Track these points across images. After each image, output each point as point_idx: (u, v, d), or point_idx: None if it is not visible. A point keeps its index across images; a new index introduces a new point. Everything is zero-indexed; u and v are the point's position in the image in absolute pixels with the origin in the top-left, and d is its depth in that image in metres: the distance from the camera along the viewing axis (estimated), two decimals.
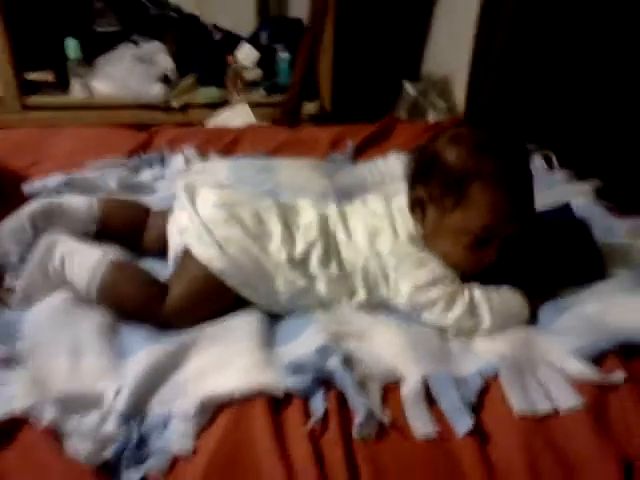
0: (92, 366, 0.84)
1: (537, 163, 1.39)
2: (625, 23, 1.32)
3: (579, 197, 1.25)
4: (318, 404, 0.80)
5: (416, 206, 1.01)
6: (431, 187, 0.99)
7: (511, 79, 1.60)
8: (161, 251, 1.06)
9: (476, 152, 0.97)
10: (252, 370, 0.83)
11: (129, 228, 1.09)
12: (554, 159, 1.43)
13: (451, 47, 2.14)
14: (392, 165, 1.41)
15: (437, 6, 2.31)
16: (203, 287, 0.96)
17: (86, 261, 0.96)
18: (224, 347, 0.89)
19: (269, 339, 0.93)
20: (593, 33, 1.40)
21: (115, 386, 0.80)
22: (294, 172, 1.33)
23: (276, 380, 0.81)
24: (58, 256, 0.97)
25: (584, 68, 1.43)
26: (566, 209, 1.13)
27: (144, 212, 1.13)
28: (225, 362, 0.85)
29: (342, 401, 0.81)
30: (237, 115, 2.10)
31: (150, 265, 1.05)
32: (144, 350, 0.86)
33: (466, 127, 1.04)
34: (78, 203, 1.08)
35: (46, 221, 1.04)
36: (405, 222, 1.02)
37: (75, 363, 0.84)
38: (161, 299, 0.95)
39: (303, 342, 0.91)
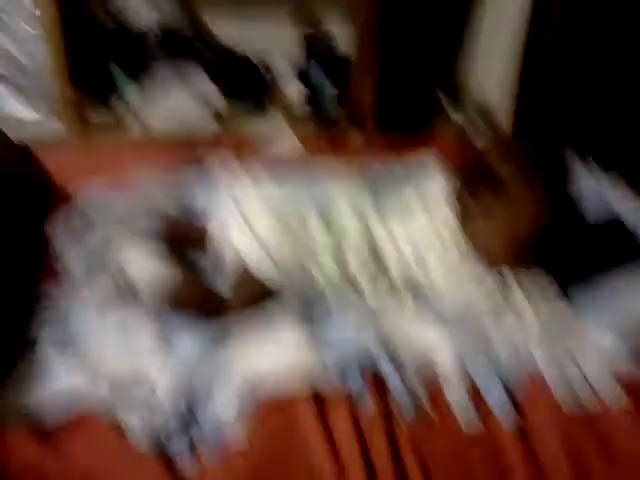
0: (140, 345, 0.91)
1: (587, 173, 1.40)
2: None
3: (625, 203, 1.25)
4: (359, 387, 0.84)
5: (463, 213, 1.09)
6: (480, 197, 1.07)
7: (558, 97, 1.61)
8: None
9: (525, 166, 1.06)
10: (295, 353, 0.88)
11: (189, 246, 1.16)
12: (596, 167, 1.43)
13: (489, 64, 2.17)
14: (427, 165, 1.44)
15: (479, 34, 2.35)
16: (257, 296, 1.03)
17: (152, 274, 1.03)
18: (267, 331, 0.94)
19: (311, 326, 0.98)
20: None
21: (163, 364, 0.86)
22: (341, 191, 1.36)
23: (319, 365, 0.86)
24: (126, 262, 1.04)
25: (629, 78, 1.44)
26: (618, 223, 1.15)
27: (202, 232, 1.20)
28: (265, 343, 0.91)
29: (383, 388, 0.86)
30: (287, 147, 2.16)
31: None
32: (189, 331, 0.93)
33: (515, 145, 1.11)
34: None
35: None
36: (452, 234, 1.06)
37: (124, 342, 0.91)
38: (218, 311, 1.00)
39: (344, 331, 0.96)
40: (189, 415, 0.79)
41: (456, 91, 2.46)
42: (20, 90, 2.37)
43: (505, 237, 1.03)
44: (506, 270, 1.04)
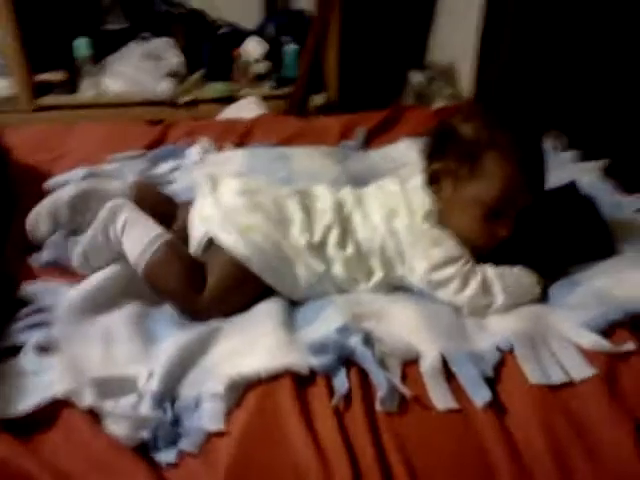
0: (124, 352, 0.88)
1: (546, 144, 1.41)
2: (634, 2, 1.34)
3: (587, 175, 1.27)
4: (341, 381, 0.83)
5: (433, 181, 1.05)
6: (447, 160, 1.03)
7: (518, 64, 1.62)
8: (186, 241, 1.08)
9: (490, 124, 1.02)
10: (277, 351, 0.86)
11: (160, 216, 1.10)
12: (562, 140, 1.45)
13: (455, 34, 2.16)
14: (402, 151, 1.43)
15: None
16: (232, 274, 0.99)
17: (143, 235, 1.01)
18: (249, 332, 0.92)
19: (291, 322, 0.96)
20: (601, 13, 1.41)
21: (147, 370, 0.84)
22: (307, 160, 1.35)
23: (300, 359, 0.84)
24: (121, 221, 1.02)
25: (590, 49, 1.45)
26: (571, 187, 1.16)
27: (172, 203, 1.17)
28: (250, 345, 0.89)
29: (364, 378, 0.84)
30: (246, 108, 2.12)
31: None
32: (173, 336, 0.90)
33: (480, 105, 1.08)
34: (113, 186, 1.13)
35: (83, 204, 1.09)
36: (421, 201, 1.05)
37: (108, 350, 0.88)
38: (199, 291, 0.98)
39: (323, 323, 0.94)
40: (176, 425, 0.78)
41: (420, 58, 2.45)
42: None
43: (471, 205, 1.01)
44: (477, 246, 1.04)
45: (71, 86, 2.30)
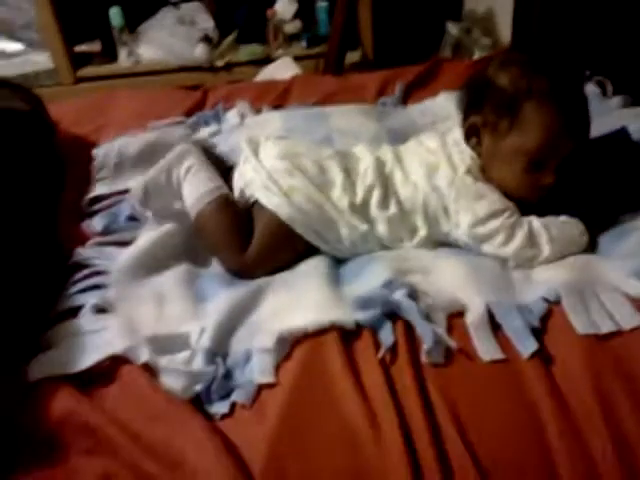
0: (176, 311, 0.91)
1: (591, 90, 1.37)
2: None
3: (636, 121, 1.23)
4: (387, 334, 0.84)
5: (471, 135, 1.04)
6: (485, 113, 1.02)
7: (558, 7, 1.56)
8: None
9: (527, 72, 0.99)
10: (323, 306, 0.88)
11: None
12: (608, 85, 1.40)
13: None
14: (442, 105, 1.41)
15: None
16: (275, 234, 1.01)
17: (202, 185, 1.04)
18: (295, 288, 0.94)
19: (336, 279, 0.97)
20: None
21: (199, 327, 0.87)
22: (346, 118, 1.34)
23: (346, 315, 0.86)
24: (185, 166, 1.06)
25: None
26: (622, 132, 1.13)
27: (225, 165, 1.18)
28: (297, 301, 0.90)
29: (409, 331, 0.85)
30: (281, 69, 2.12)
31: None
32: (222, 294, 0.92)
33: (516, 52, 1.05)
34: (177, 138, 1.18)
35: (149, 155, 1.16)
36: (462, 155, 1.04)
37: (160, 308, 0.91)
38: (243, 249, 1.00)
39: (368, 279, 0.95)
40: (228, 379, 0.81)
41: (457, 9, 2.38)
42: (3, 23, 2.30)
43: (513, 156, 1.00)
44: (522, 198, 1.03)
45: (109, 55, 2.33)
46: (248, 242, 1.01)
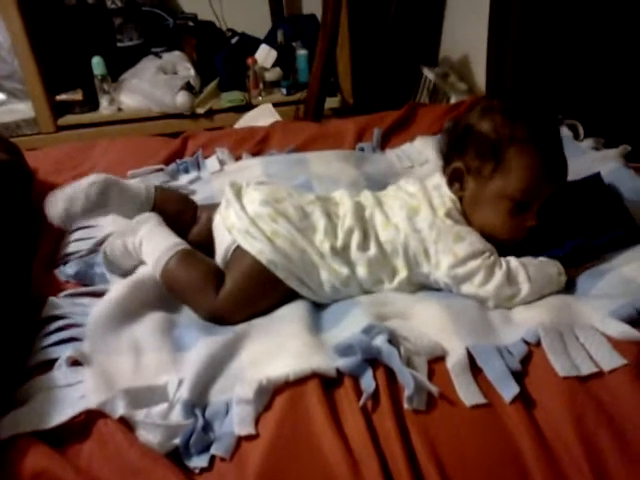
0: (153, 362, 0.89)
1: (564, 133, 1.40)
2: None
3: (608, 163, 1.26)
4: (368, 381, 0.83)
5: (454, 180, 1.06)
6: (468, 158, 1.04)
7: (530, 54, 1.61)
8: (204, 246, 1.10)
9: (508, 119, 1.02)
10: (303, 354, 0.87)
11: (180, 218, 1.14)
12: (580, 128, 1.44)
13: (467, 28, 2.15)
14: (419, 149, 1.43)
15: None
16: (254, 280, 1.00)
17: (159, 245, 1.03)
18: (275, 335, 0.93)
19: (316, 325, 0.97)
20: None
21: (177, 378, 0.85)
22: (325, 164, 1.36)
23: (327, 362, 0.85)
24: (139, 235, 1.05)
25: (601, 36, 1.44)
26: (596, 178, 1.15)
27: (193, 206, 1.18)
28: (277, 349, 0.89)
29: (390, 377, 0.84)
30: (261, 116, 2.14)
31: None
32: (201, 343, 0.91)
33: (496, 99, 1.07)
34: (137, 185, 1.15)
35: (103, 195, 1.10)
36: (442, 198, 1.06)
37: (137, 360, 0.90)
38: (215, 292, 1.00)
39: (348, 325, 0.94)
40: (208, 431, 0.79)
41: (433, 55, 2.44)
42: None
43: (496, 201, 1.02)
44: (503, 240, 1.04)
45: (90, 104, 2.34)
46: (220, 286, 1.01)
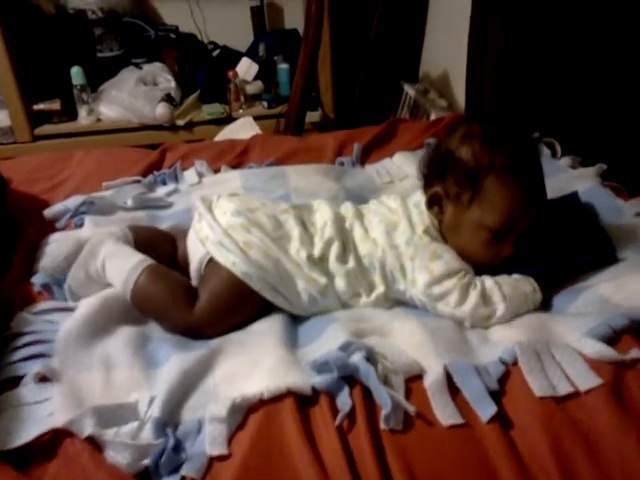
0: (124, 378, 0.87)
1: (541, 151, 1.41)
2: (624, 8, 1.34)
3: (585, 181, 1.27)
4: (344, 400, 0.82)
5: (434, 203, 1.05)
6: (447, 184, 1.04)
7: (509, 71, 1.62)
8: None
9: (488, 147, 1.01)
10: (279, 371, 0.85)
11: (162, 255, 1.10)
12: (557, 147, 1.45)
13: (447, 45, 2.17)
14: (398, 164, 1.44)
15: (431, 6, 2.34)
16: (229, 292, 0.99)
17: (125, 264, 1.00)
18: (249, 351, 0.91)
19: (292, 341, 0.96)
20: (589, 19, 1.42)
21: (148, 396, 0.83)
22: (304, 178, 1.36)
23: (303, 379, 0.83)
24: (100, 257, 1.01)
25: (579, 55, 1.45)
26: (573, 196, 1.16)
27: (169, 238, 1.14)
28: (252, 365, 0.88)
29: (367, 396, 0.83)
30: (242, 129, 2.14)
31: None
32: (173, 358, 0.89)
33: (476, 123, 1.06)
34: (114, 233, 1.08)
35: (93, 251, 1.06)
36: (421, 216, 1.06)
37: (108, 376, 0.87)
38: (190, 305, 0.98)
39: (325, 341, 0.93)
40: (178, 451, 0.77)
41: (414, 71, 2.46)
42: None
43: (474, 229, 1.02)
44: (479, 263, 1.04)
45: (68, 114, 2.32)
46: (193, 300, 0.99)
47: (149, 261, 1.01)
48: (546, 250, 1.06)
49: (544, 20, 1.51)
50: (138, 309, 0.99)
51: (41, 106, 2.32)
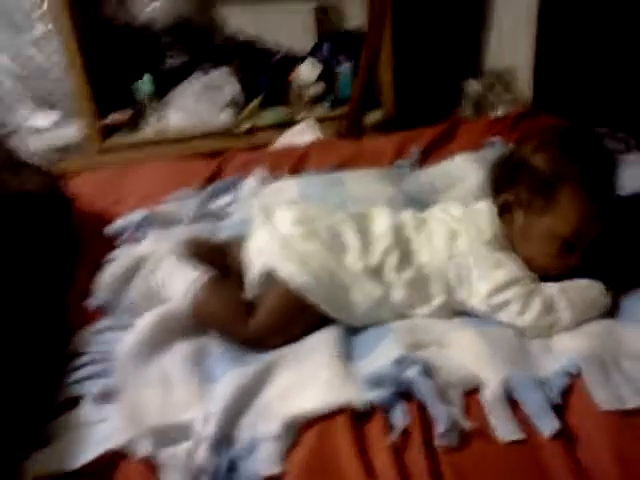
0: (182, 395, 0.88)
1: (611, 146, 1.34)
2: None
3: None
4: (399, 416, 0.80)
5: (504, 211, 1.04)
6: (519, 191, 1.02)
7: (578, 65, 1.55)
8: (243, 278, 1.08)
9: (564, 156, 0.99)
10: (333, 386, 0.85)
11: (216, 266, 1.10)
12: (631, 141, 1.37)
13: (512, 39, 2.10)
14: (459, 166, 1.39)
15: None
16: (286, 305, 0.98)
17: (184, 278, 1.01)
18: (304, 366, 0.91)
19: (348, 354, 0.94)
20: None
21: (203, 414, 0.83)
22: (362, 184, 1.34)
23: (357, 395, 0.82)
24: (161, 272, 1.04)
25: None
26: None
27: (224, 248, 1.15)
28: (306, 380, 0.88)
29: (423, 411, 0.81)
30: (304, 132, 2.14)
31: None
32: (230, 373, 0.89)
33: (553, 131, 1.07)
34: (164, 249, 1.10)
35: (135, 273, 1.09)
36: (485, 224, 1.04)
37: (165, 394, 0.88)
38: (247, 318, 0.98)
39: (381, 354, 0.92)
40: (233, 471, 0.78)
41: (476, 67, 2.39)
42: (36, 95, 2.39)
43: (544, 238, 1.00)
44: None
45: (136, 125, 2.38)
46: (250, 312, 0.99)
47: (210, 273, 1.02)
48: (612, 253, 1.01)
49: (615, 12, 1.44)
50: (198, 321, 1.00)
51: (112, 117, 2.38)
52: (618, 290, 0.99)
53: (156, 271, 1.04)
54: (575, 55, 1.55)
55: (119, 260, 1.11)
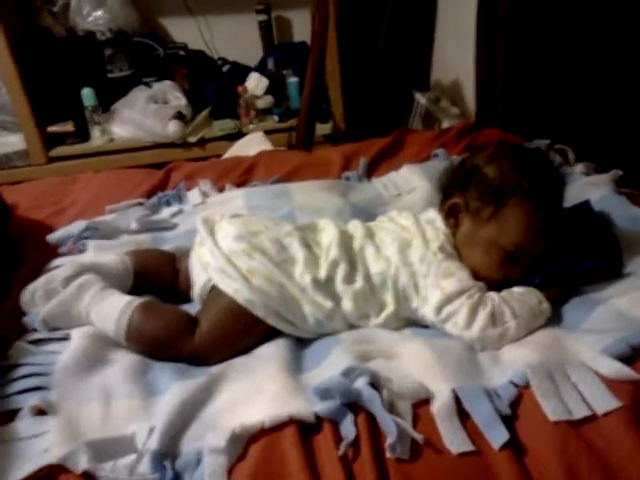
0: (123, 408, 0.85)
1: (553, 158, 1.37)
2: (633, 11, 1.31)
3: (598, 189, 1.23)
4: (348, 427, 0.79)
5: (451, 215, 1.04)
6: (468, 197, 1.03)
7: (518, 77, 1.59)
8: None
9: (516, 168, 1.01)
10: (281, 398, 0.83)
11: (163, 277, 1.10)
12: (570, 153, 1.41)
13: (457, 52, 2.13)
14: (405, 177, 1.40)
15: (439, 14, 2.31)
16: (232, 319, 0.97)
17: (113, 307, 0.97)
18: (252, 377, 0.89)
19: (296, 365, 0.93)
20: (597, 24, 1.39)
21: (147, 426, 0.80)
22: (309, 194, 1.33)
23: (305, 406, 0.81)
24: (85, 303, 0.98)
25: (591, 60, 1.42)
26: (585, 206, 1.12)
27: (171, 259, 1.13)
28: (253, 392, 0.85)
29: (373, 422, 0.80)
30: (253, 144, 2.12)
31: (188, 308, 1.06)
32: (174, 386, 0.86)
33: (508, 144, 1.08)
34: (112, 261, 1.08)
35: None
36: (435, 232, 1.04)
37: (106, 407, 0.85)
38: (190, 333, 0.96)
39: (330, 365, 0.90)
40: None
41: (425, 80, 2.43)
42: None
43: (488, 246, 1.01)
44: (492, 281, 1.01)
45: (82, 135, 2.33)
46: (194, 327, 0.97)
47: (138, 299, 0.99)
48: (547, 258, 1.03)
49: (553, 25, 1.48)
50: (136, 348, 0.96)
51: (54, 128, 2.32)
52: (557, 296, 1.00)
53: (79, 299, 0.98)
54: (517, 69, 1.58)
55: (60, 269, 1.06)
